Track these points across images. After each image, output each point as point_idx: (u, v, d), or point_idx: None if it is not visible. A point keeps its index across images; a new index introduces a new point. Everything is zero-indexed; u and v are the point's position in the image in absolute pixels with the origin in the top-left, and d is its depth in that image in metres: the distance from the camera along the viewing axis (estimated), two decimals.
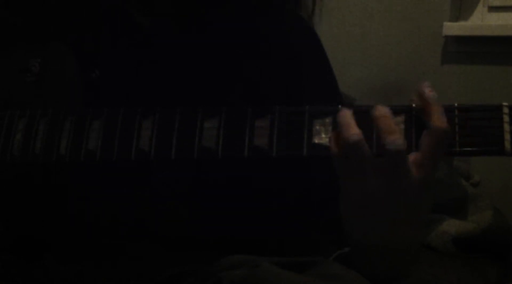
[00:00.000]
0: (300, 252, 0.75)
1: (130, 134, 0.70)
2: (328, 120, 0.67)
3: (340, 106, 0.67)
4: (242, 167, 0.76)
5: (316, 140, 0.67)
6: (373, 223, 0.68)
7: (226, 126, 0.68)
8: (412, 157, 0.64)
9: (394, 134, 0.63)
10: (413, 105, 0.66)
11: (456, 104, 0.66)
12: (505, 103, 0.65)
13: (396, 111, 0.66)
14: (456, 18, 2.03)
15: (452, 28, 2.00)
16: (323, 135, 0.67)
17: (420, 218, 0.69)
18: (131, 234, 0.79)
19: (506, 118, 0.64)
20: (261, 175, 0.79)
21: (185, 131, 0.69)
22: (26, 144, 0.72)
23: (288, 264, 0.69)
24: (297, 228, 0.83)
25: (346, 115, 0.65)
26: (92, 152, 0.71)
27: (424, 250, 1.63)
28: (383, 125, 0.64)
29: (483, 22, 2.01)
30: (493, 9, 2.01)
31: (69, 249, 0.79)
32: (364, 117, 0.65)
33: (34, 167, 0.75)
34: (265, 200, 0.82)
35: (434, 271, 1.56)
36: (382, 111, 0.64)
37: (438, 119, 0.63)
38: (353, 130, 0.64)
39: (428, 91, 0.64)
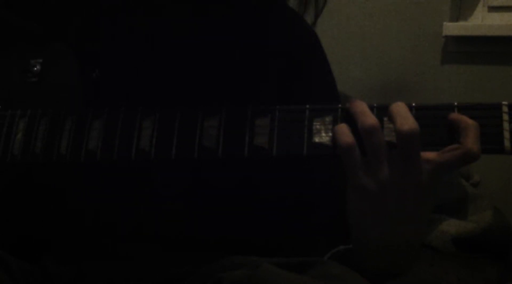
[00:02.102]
0: (300, 252, 0.76)
1: (131, 134, 0.70)
2: (328, 119, 0.67)
3: (340, 105, 0.68)
4: (242, 166, 0.76)
5: (317, 139, 0.67)
6: (379, 221, 0.68)
7: (226, 126, 0.68)
8: (427, 154, 0.65)
9: (408, 119, 0.64)
10: (413, 104, 0.67)
11: (456, 103, 0.66)
12: (504, 102, 0.65)
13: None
14: (456, 18, 2.03)
15: (452, 28, 2.00)
16: (323, 134, 0.67)
17: (423, 216, 0.69)
18: (131, 234, 0.79)
19: (505, 117, 0.64)
20: (261, 175, 0.79)
21: (185, 131, 0.69)
22: (26, 144, 0.72)
23: (288, 264, 0.69)
24: (297, 227, 0.83)
25: (361, 104, 0.66)
26: (92, 151, 0.71)
27: (424, 250, 1.63)
28: (399, 110, 0.65)
29: (483, 22, 2.01)
30: (493, 9, 2.01)
31: (69, 249, 0.79)
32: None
33: (35, 167, 0.75)
34: (265, 199, 0.82)
35: (434, 271, 1.56)
36: (397, 103, 0.66)
37: (474, 144, 0.64)
38: (371, 117, 0.65)
39: (468, 119, 0.66)
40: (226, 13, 0.85)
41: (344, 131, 0.66)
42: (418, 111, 0.66)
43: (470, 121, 0.65)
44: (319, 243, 0.80)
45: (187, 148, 0.69)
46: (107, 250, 0.78)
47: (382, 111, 0.66)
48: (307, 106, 0.68)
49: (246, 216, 0.81)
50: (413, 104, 0.66)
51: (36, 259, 0.77)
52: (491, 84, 1.95)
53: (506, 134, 0.64)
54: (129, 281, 0.77)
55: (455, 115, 0.66)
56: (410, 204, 0.66)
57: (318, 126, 0.67)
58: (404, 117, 0.64)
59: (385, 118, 0.66)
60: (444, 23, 2.00)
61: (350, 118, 0.67)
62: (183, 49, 0.83)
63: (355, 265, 0.71)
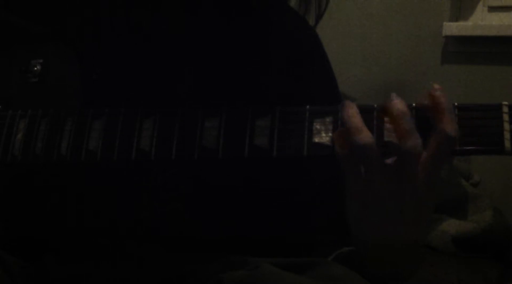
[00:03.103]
0: (300, 252, 0.76)
1: (131, 135, 0.70)
2: (328, 119, 0.67)
3: (340, 106, 0.67)
4: (242, 166, 0.76)
5: (317, 140, 0.67)
6: (378, 222, 0.68)
7: (227, 126, 0.68)
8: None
9: (414, 135, 0.62)
10: (413, 104, 0.66)
11: (456, 104, 0.66)
12: (505, 103, 0.65)
13: None
14: (456, 18, 2.03)
15: (452, 28, 2.00)
16: (324, 135, 0.67)
17: (424, 217, 0.69)
18: (131, 234, 0.79)
19: (506, 117, 0.64)
20: (261, 175, 0.79)
21: (186, 131, 0.69)
22: (27, 144, 0.72)
23: (288, 265, 0.69)
24: (297, 228, 0.83)
25: (354, 116, 0.64)
26: (92, 152, 0.71)
27: (424, 250, 1.63)
28: (404, 124, 0.63)
29: (483, 22, 2.01)
30: (493, 9, 2.02)
31: (69, 249, 0.79)
32: (367, 116, 0.65)
33: (35, 167, 0.75)
34: (265, 199, 0.82)
35: (434, 271, 1.57)
36: (400, 107, 0.64)
37: (449, 124, 0.62)
38: (364, 133, 0.63)
39: (441, 96, 0.64)
40: (227, 13, 0.85)
41: (339, 139, 0.65)
42: (418, 112, 0.66)
43: (441, 104, 0.63)
44: (319, 243, 0.80)
45: (188, 148, 0.69)
46: (107, 250, 0.78)
47: (382, 112, 0.66)
48: (308, 107, 0.68)
49: (246, 216, 0.81)
50: (413, 104, 0.66)
51: (36, 259, 0.77)
52: (491, 84, 1.95)
53: (507, 135, 0.64)
54: (129, 281, 0.77)
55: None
56: (408, 207, 0.66)
57: (318, 127, 0.67)
58: (408, 133, 0.62)
59: (386, 118, 0.66)
60: (444, 23, 2.00)
61: None
62: (184, 49, 0.83)
63: (357, 266, 0.71)
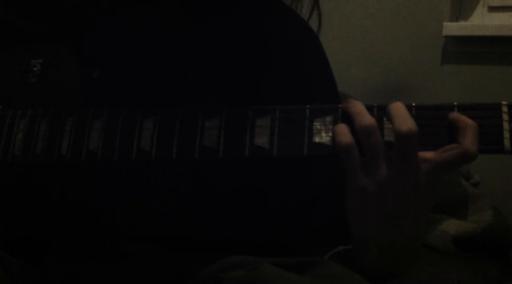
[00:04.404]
0: (299, 252, 0.76)
1: (131, 135, 0.70)
2: (328, 119, 0.67)
3: (340, 105, 0.68)
4: (242, 166, 0.76)
5: (317, 140, 0.67)
6: (378, 220, 0.68)
7: (227, 126, 0.68)
8: (425, 153, 0.65)
9: (407, 119, 0.65)
10: (413, 104, 0.67)
11: (455, 103, 0.66)
12: (504, 102, 0.65)
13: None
14: (456, 18, 2.03)
15: (452, 28, 2.00)
16: (324, 135, 0.67)
17: (423, 215, 0.69)
18: (131, 234, 0.79)
19: (505, 116, 0.65)
20: (261, 175, 0.79)
21: (186, 131, 0.69)
22: (27, 144, 0.72)
23: (288, 264, 0.69)
24: (297, 228, 0.83)
25: (358, 104, 0.67)
26: (93, 152, 0.71)
27: (424, 250, 1.63)
28: (397, 111, 0.66)
29: (483, 22, 2.01)
30: (493, 9, 2.02)
31: (69, 249, 0.79)
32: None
33: (35, 167, 0.75)
34: (265, 199, 0.82)
35: (434, 271, 1.56)
36: (396, 103, 0.67)
37: (474, 144, 0.65)
38: (368, 117, 0.66)
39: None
40: (226, 13, 0.85)
41: (343, 131, 0.66)
42: (418, 111, 0.66)
43: (469, 121, 0.65)
44: (319, 243, 0.80)
45: (188, 148, 0.69)
46: (107, 250, 0.78)
47: (382, 111, 0.67)
48: (308, 106, 0.68)
49: (246, 216, 0.81)
50: (413, 104, 0.67)
51: (36, 259, 0.77)
52: (491, 84, 1.95)
53: (506, 134, 0.64)
54: (129, 281, 0.77)
55: (455, 115, 0.66)
56: (409, 203, 0.67)
57: (318, 127, 0.67)
58: (402, 117, 0.65)
59: (385, 119, 0.66)
60: (444, 23, 2.00)
61: (350, 119, 0.67)
62: (183, 49, 0.83)
63: (355, 265, 0.71)
